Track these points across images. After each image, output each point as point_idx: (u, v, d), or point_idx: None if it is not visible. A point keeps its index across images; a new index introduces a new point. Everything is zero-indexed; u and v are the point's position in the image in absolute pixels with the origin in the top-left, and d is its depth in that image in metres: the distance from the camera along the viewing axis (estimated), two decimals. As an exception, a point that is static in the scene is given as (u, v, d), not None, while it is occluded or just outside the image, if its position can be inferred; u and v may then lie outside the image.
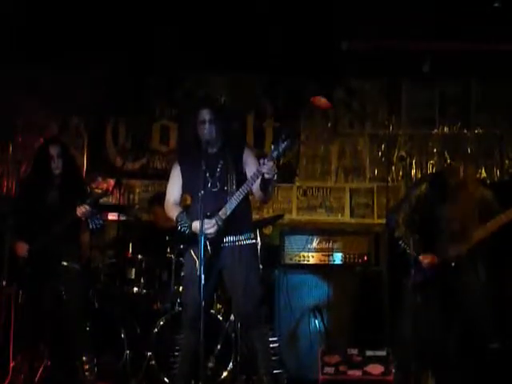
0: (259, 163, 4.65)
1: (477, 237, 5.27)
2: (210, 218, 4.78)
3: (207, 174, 4.90)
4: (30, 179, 5.85)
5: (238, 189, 4.82)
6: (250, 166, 4.93)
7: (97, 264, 6.61)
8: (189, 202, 5.29)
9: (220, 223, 4.81)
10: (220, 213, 4.81)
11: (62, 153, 5.64)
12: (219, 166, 4.98)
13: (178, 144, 7.72)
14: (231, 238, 4.93)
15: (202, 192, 4.66)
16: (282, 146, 4.61)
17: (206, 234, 4.72)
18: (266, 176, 4.63)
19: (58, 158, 5.60)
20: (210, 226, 4.78)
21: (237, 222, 4.87)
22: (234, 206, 4.79)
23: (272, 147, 4.64)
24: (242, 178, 4.89)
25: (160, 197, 5.53)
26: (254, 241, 5.04)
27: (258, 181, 4.73)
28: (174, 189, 5.16)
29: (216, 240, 4.85)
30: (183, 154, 5.27)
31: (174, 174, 5.18)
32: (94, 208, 5.43)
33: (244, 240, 4.96)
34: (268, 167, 4.58)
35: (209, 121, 4.99)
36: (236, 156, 5.01)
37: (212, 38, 6.87)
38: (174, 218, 4.99)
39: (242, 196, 4.78)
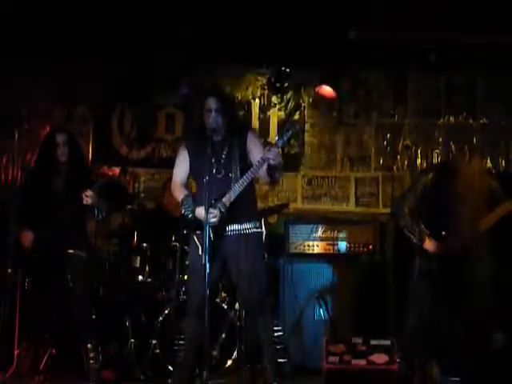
0: (264, 149, 4.71)
1: (483, 226, 5.26)
2: (213, 206, 4.78)
3: (212, 161, 4.91)
4: (36, 167, 5.87)
5: (242, 176, 4.83)
6: (254, 151, 4.94)
7: (102, 252, 6.61)
8: (193, 189, 5.27)
9: (223, 210, 4.81)
10: (224, 199, 4.81)
11: (68, 141, 5.63)
12: (224, 152, 4.98)
13: (183, 132, 7.72)
14: (236, 227, 4.93)
15: (207, 178, 4.67)
16: (287, 134, 4.65)
17: (208, 223, 4.73)
18: (272, 162, 4.65)
19: (64, 146, 5.59)
20: (213, 216, 4.78)
21: (242, 211, 4.88)
22: (237, 193, 4.80)
23: (277, 135, 4.66)
24: (246, 165, 4.90)
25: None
26: (259, 230, 5.04)
27: (265, 167, 4.74)
28: (182, 170, 5.16)
29: (220, 227, 4.85)
30: (189, 140, 5.27)
31: (181, 157, 5.17)
32: (99, 195, 5.43)
33: (249, 229, 4.96)
34: (273, 153, 4.60)
35: (215, 109, 4.98)
36: (240, 142, 5.01)
37: (216, 29, 6.85)
38: (180, 200, 5.00)
39: (246, 183, 4.79)
